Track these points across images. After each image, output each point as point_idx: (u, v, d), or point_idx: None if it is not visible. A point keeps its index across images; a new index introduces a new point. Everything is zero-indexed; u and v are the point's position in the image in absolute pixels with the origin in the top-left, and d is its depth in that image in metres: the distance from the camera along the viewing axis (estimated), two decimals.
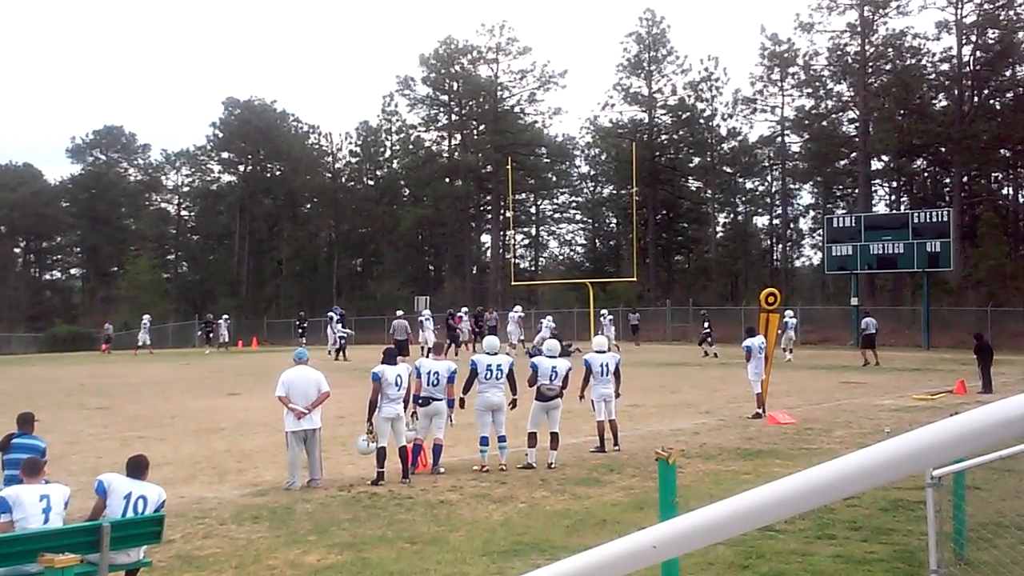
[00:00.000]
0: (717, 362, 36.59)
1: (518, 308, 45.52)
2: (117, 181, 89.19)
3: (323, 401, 13.79)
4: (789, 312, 41.81)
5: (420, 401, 14.28)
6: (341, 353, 39.44)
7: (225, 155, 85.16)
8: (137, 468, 8.82)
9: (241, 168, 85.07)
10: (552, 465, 14.56)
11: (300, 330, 51.14)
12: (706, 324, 41.80)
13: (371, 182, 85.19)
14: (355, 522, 11.19)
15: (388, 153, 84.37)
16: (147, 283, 75.33)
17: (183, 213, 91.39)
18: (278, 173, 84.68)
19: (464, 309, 44.38)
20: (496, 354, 15.22)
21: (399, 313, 40.22)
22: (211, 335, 51.70)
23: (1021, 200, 69.88)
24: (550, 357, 15.35)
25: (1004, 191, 69.67)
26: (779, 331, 39.83)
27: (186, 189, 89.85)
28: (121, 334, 57.44)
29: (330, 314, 42.69)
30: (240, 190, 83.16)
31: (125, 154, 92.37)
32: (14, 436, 10.98)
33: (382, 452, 13.55)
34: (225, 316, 53.93)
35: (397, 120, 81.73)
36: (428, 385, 14.24)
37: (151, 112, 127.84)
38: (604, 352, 16.52)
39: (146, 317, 51.20)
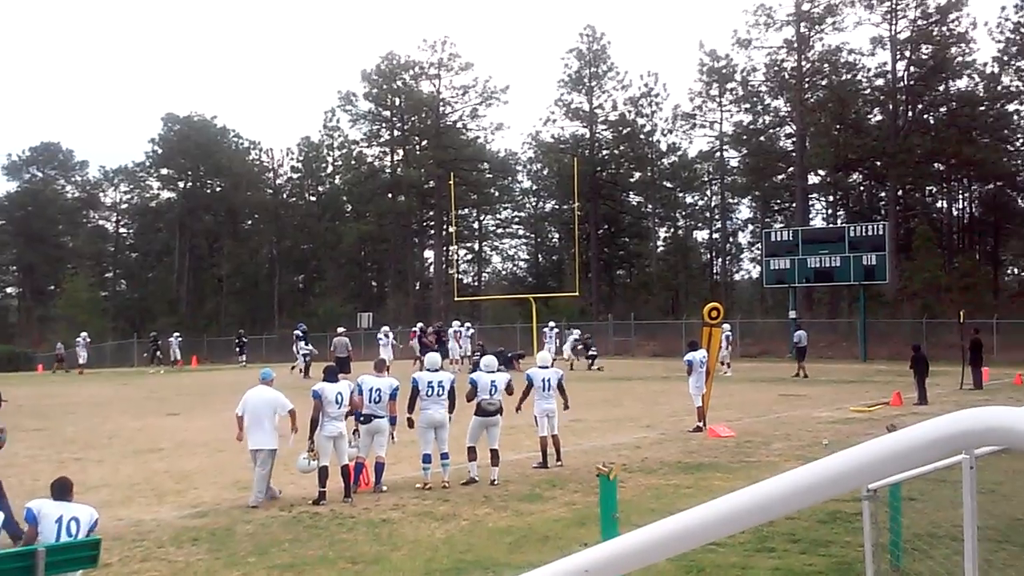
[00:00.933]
0: (658, 376, 36.79)
1: (468, 324, 45.42)
2: (54, 198, 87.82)
3: (294, 421, 13.78)
4: (726, 326, 42.30)
5: (361, 418, 14.20)
6: (306, 371, 38.95)
7: (164, 171, 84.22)
8: (62, 490, 8.67)
9: (181, 184, 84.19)
10: (495, 482, 14.58)
11: (239, 348, 50.76)
12: (588, 338, 42.72)
13: (313, 198, 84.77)
14: (296, 542, 11.09)
15: (330, 169, 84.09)
16: (85, 302, 74.19)
17: (121, 230, 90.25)
18: (218, 189, 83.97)
19: (420, 325, 44.19)
20: (437, 371, 15.12)
21: (340, 330, 39.91)
22: (157, 353, 51.14)
23: (955, 213, 71.31)
24: (489, 372, 15.35)
25: (938, 204, 71.15)
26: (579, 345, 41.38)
27: (124, 206, 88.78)
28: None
29: (296, 332, 42.11)
30: (179, 207, 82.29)
31: (62, 171, 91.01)
32: None
33: (324, 471, 13.45)
34: (176, 334, 53.46)
35: (339, 135, 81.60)
36: (370, 402, 14.17)
37: (89, 128, 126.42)
38: (547, 367, 16.58)
39: (83, 335, 50.38)
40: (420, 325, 43.38)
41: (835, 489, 1.67)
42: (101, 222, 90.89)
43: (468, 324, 45.71)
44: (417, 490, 14.10)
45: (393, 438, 14.63)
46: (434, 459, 14.59)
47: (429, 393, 14.67)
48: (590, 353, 41.16)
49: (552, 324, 42.60)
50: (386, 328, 42.08)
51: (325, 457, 13.54)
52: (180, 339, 52.71)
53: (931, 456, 1.59)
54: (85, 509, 8.70)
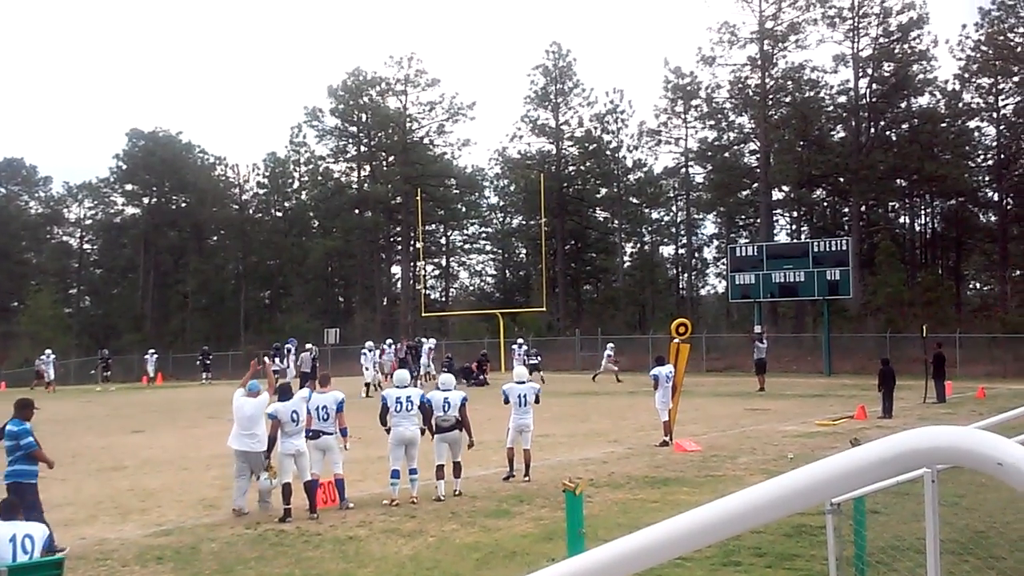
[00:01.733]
0: (626, 390, 36.86)
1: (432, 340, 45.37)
2: (17, 214, 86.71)
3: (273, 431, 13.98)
4: (610, 345, 43.48)
5: (310, 435, 14.10)
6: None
7: (129, 187, 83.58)
8: (9, 509, 8.60)
9: (145, 200, 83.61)
10: (457, 492, 14.75)
11: (204, 365, 50.50)
12: (534, 350, 43.25)
13: (279, 214, 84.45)
14: (262, 560, 11.03)
15: (296, 184, 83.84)
16: (48, 318, 73.35)
17: (86, 246, 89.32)
18: (184, 205, 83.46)
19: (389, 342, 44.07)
20: (406, 387, 15.12)
21: (308, 346, 39.76)
22: (106, 372, 50.94)
23: (917, 229, 72.06)
24: (444, 390, 15.44)
25: (901, 220, 71.83)
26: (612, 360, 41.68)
27: (89, 222, 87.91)
28: (21, 371, 55.83)
29: (287, 346, 41.71)
30: (144, 223, 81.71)
31: (26, 187, 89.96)
32: (7, 423, 11.92)
33: (286, 488, 13.40)
34: (152, 351, 53.34)
35: (305, 151, 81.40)
36: (318, 420, 14.12)
37: (53, 144, 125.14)
38: (523, 383, 16.68)
39: (48, 352, 49.79)
40: (389, 341, 43.31)
41: (798, 504, 1.70)
42: (65, 238, 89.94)
43: (423, 340, 45.51)
44: (384, 507, 14.05)
45: (345, 447, 14.67)
46: (403, 475, 14.58)
47: (398, 409, 14.68)
48: (531, 362, 40.97)
49: (520, 341, 42.59)
50: (370, 343, 41.83)
51: (286, 475, 13.50)
52: (156, 355, 52.57)
53: (888, 472, 1.63)
54: (37, 527, 8.63)
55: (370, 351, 39.73)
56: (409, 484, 14.57)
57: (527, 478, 16.02)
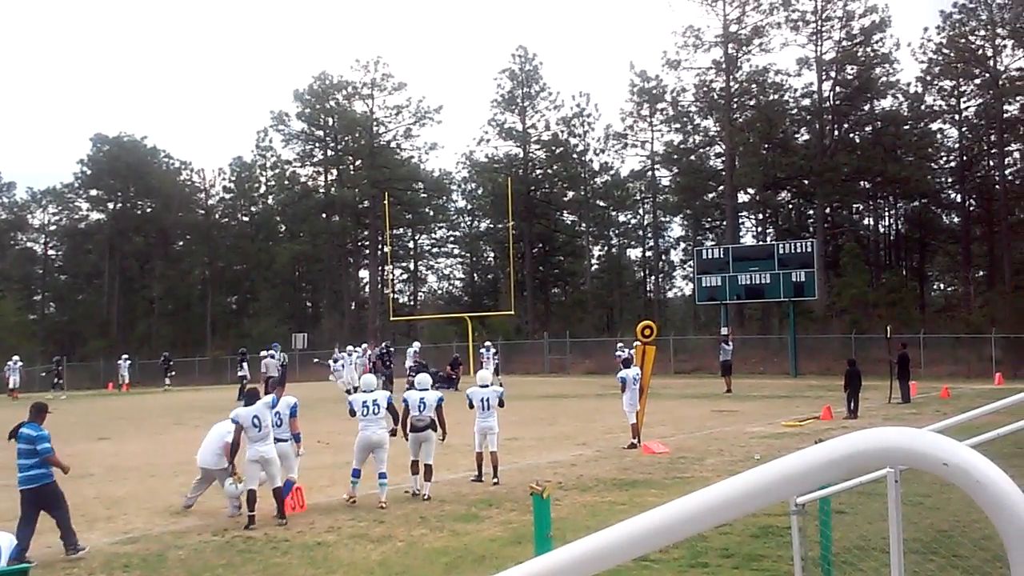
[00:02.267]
0: (593, 392, 36.94)
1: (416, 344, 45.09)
2: None
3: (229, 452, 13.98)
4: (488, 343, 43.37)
5: None
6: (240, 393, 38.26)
7: (94, 192, 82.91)
8: None
9: (110, 205, 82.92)
10: (427, 497, 14.84)
11: (165, 371, 50.29)
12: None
13: (246, 218, 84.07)
14: (229, 567, 10.98)
15: (263, 189, 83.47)
16: (13, 325, 72.68)
17: (50, 252, 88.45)
18: (149, 210, 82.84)
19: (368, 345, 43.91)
20: (372, 391, 15.18)
21: (274, 349, 39.46)
22: (57, 380, 50.66)
23: (881, 230, 72.75)
24: (421, 390, 15.63)
25: (865, 222, 72.49)
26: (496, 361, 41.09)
27: (53, 228, 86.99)
28: None
29: (271, 351, 41.22)
30: (109, 228, 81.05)
31: None
32: (23, 425, 12.09)
33: (251, 495, 13.35)
34: (125, 356, 53.42)
35: (272, 155, 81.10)
36: (273, 427, 14.01)
37: (16, 149, 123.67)
38: (487, 386, 16.80)
39: (15, 358, 49.22)
40: (364, 346, 43.14)
41: (755, 503, 1.73)
42: (29, 244, 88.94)
43: (390, 345, 45.29)
44: (351, 511, 14.02)
45: (299, 453, 14.59)
46: (369, 477, 14.65)
47: (365, 413, 14.76)
48: (450, 375, 40.86)
49: (489, 344, 42.52)
50: (351, 347, 41.78)
51: (252, 481, 13.46)
52: (129, 361, 52.37)
53: (842, 473, 1.66)
54: (3, 536, 8.58)
55: (348, 355, 39.83)
56: (378, 488, 14.57)
57: (496, 480, 16.07)
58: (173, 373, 51.07)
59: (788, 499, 7.71)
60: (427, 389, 15.74)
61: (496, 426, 16.45)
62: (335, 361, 40.81)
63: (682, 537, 1.82)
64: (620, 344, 41.89)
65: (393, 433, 15.26)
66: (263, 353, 39.28)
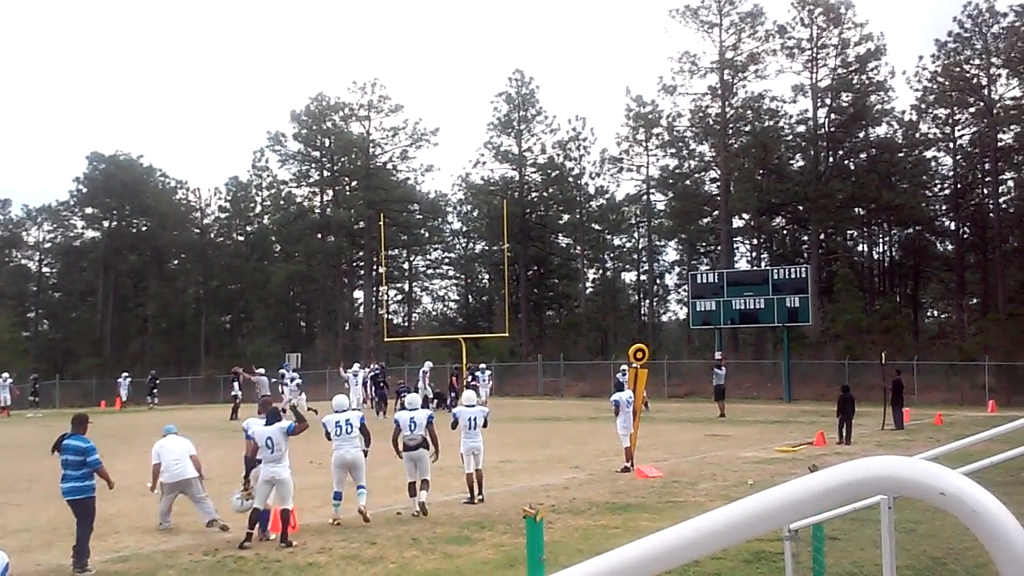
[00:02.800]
0: (587, 415, 36.90)
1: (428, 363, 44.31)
2: None
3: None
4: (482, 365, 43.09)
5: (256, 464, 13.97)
6: (234, 413, 37.91)
7: (89, 210, 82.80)
8: None
9: (106, 224, 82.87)
10: (424, 504, 15.24)
11: (151, 389, 50.23)
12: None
13: (241, 238, 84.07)
14: None
15: (259, 209, 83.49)
16: (6, 342, 72.48)
17: (44, 270, 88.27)
18: (144, 229, 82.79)
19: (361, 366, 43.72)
20: (344, 411, 15.44)
21: (260, 370, 39.25)
22: (32, 397, 50.56)
23: (875, 257, 72.90)
24: (411, 410, 16.01)
25: (859, 248, 72.64)
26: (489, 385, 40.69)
27: (48, 245, 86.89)
28: None
29: (281, 370, 40.83)
30: (104, 246, 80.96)
31: None
32: (66, 436, 12.48)
33: (254, 514, 13.31)
34: (125, 374, 53.30)
35: (268, 175, 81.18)
36: (265, 449, 13.81)
37: (12, 166, 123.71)
38: (473, 406, 16.98)
39: (5, 375, 49.03)
40: (358, 365, 43.00)
41: (753, 530, 1.73)
42: (24, 261, 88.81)
43: (373, 365, 44.88)
44: (343, 533, 13.97)
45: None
46: (351, 499, 14.81)
47: (338, 432, 15.02)
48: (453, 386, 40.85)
49: (483, 366, 42.36)
50: (356, 367, 41.71)
51: (260, 501, 13.46)
52: (129, 379, 52.38)
53: (837, 500, 1.66)
54: None
55: (355, 375, 39.92)
56: (358, 498, 14.78)
57: (481, 497, 16.22)
58: (156, 391, 51.15)
59: (778, 527, 7.70)
60: (416, 408, 16.11)
61: (481, 445, 16.57)
62: (283, 377, 40.56)
63: (679, 564, 1.82)
64: (624, 367, 40.97)
65: (365, 454, 15.40)
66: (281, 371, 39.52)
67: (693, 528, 1.76)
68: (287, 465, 13.71)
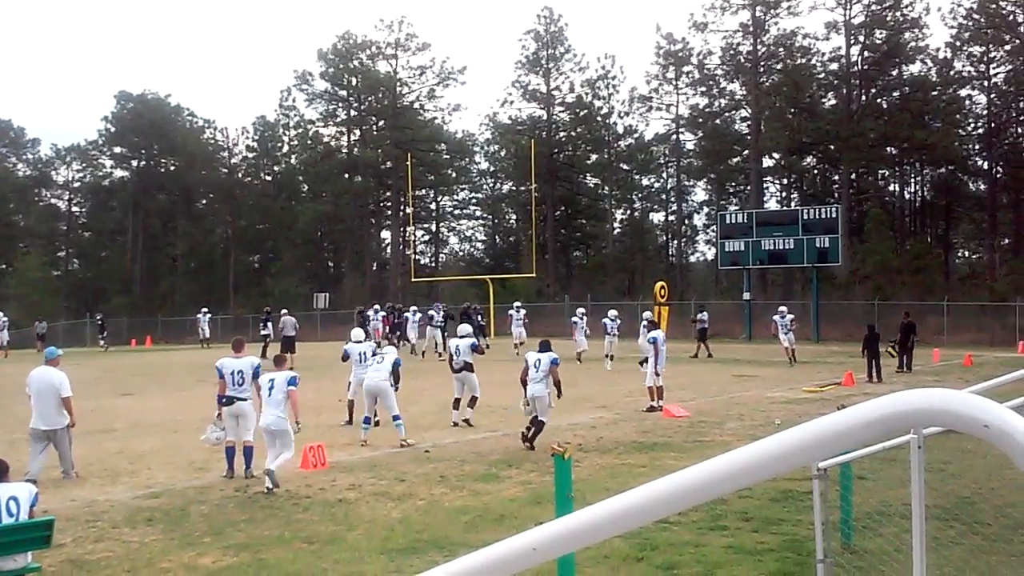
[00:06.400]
0: (615, 355, 36.89)
1: (517, 305, 43.74)
2: (5, 176, 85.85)
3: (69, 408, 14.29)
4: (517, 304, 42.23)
5: (224, 401, 13.91)
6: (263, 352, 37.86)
7: (117, 150, 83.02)
8: None
9: (134, 163, 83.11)
10: (469, 421, 17.97)
11: (100, 329, 50.80)
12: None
13: (268, 178, 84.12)
14: (251, 523, 11.07)
15: (286, 148, 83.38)
16: (37, 281, 73.26)
17: (74, 209, 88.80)
18: (172, 168, 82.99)
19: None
20: (360, 342, 17.47)
21: (284, 312, 39.36)
22: (104, 333, 50.85)
23: (907, 197, 72.18)
24: (461, 338, 18.67)
25: (890, 188, 71.92)
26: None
27: (77, 185, 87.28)
28: (11, 333, 55.48)
29: (431, 312, 40.71)
30: (133, 185, 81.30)
31: (13, 149, 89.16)
32: None
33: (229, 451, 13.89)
34: (204, 310, 52.45)
35: (295, 115, 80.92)
36: (233, 384, 13.86)
37: (41, 106, 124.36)
38: (543, 351, 16.50)
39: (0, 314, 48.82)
40: (438, 304, 43.22)
41: (783, 466, 1.70)
42: (53, 200, 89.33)
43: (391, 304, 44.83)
44: (373, 470, 14.08)
45: (298, 429, 14.00)
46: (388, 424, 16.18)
47: (360, 361, 16.72)
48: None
49: (518, 304, 41.76)
50: (414, 307, 42.35)
51: (230, 433, 13.80)
52: (209, 315, 51.58)
53: (875, 435, 1.63)
54: (23, 486, 8.64)
55: (413, 314, 41.16)
56: (396, 429, 16.05)
57: (530, 445, 15.77)
58: (102, 324, 51.82)
59: (810, 464, 7.68)
60: (464, 337, 18.67)
61: (544, 392, 15.99)
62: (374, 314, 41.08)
63: (707, 500, 1.80)
64: (581, 311, 38.87)
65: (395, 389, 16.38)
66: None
67: (722, 464, 1.73)
68: (250, 399, 13.88)
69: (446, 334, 40.91)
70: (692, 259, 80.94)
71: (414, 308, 43.01)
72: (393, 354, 16.54)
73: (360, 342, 17.73)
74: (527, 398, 15.93)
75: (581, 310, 37.73)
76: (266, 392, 13.39)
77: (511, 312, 40.86)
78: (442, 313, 39.88)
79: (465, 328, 19.23)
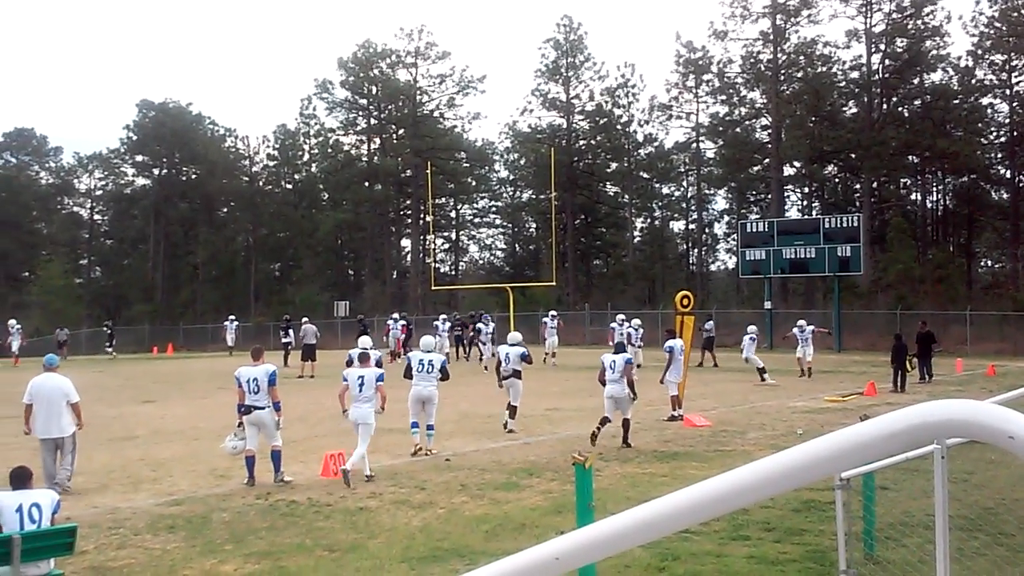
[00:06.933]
0: (635, 364, 36.77)
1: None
2: (28, 184, 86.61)
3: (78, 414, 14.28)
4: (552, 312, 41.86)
5: (243, 409, 14.00)
6: (285, 360, 38.08)
7: (139, 158, 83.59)
8: (20, 479, 8.65)
9: (156, 171, 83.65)
10: (506, 425, 18.61)
11: (108, 338, 50.77)
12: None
13: (289, 186, 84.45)
14: (272, 530, 11.10)
15: (306, 157, 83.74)
16: (59, 288, 73.69)
17: (96, 217, 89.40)
18: (194, 176, 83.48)
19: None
20: (430, 351, 16.92)
21: (304, 319, 39.57)
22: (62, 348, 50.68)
23: (929, 206, 71.77)
24: (512, 346, 19.12)
25: (912, 197, 71.52)
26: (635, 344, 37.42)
27: (99, 193, 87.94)
28: (33, 341, 55.65)
29: (435, 323, 41.41)
30: (155, 194, 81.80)
31: (36, 157, 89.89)
32: None
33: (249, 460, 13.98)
34: (232, 317, 52.64)
35: (315, 123, 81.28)
36: (249, 393, 13.95)
37: (63, 114, 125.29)
38: (618, 354, 17.58)
39: (12, 321, 48.75)
40: (472, 313, 43.69)
41: (807, 477, 1.70)
42: (75, 208, 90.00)
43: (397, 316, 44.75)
44: (394, 478, 14.10)
45: (279, 424, 14.20)
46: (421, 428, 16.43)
47: (420, 370, 16.35)
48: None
49: (553, 313, 41.38)
50: (444, 316, 43.13)
51: (251, 443, 13.91)
52: (236, 323, 51.87)
53: (899, 447, 1.63)
54: (45, 493, 8.70)
55: (443, 322, 40.96)
56: (426, 437, 16.32)
57: (628, 444, 16.85)
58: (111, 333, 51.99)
59: (833, 474, 7.65)
60: (514, 345, 19.07)
61: (622, 392, 17.00)
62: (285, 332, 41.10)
63: (732, 510, 1.80)
64: (620, 317, 37.69)
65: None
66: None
67: (745, 474, 1.73)
68: (267, 407, 13.93)
69: (464, 342, 42.22)
70: (713, 268, 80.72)
71: (443, 317, 43.48)
72: (440, 359, 16.84)
73: (429, 351, 17.03)
74: (607, 397, 17.04)
75: (621, 316, 37.74)
76: (356, 388, 14.33)
77: (544, 320, 40.58)
78: (450, 324, 40.63)
79: (515, 336, 19.80)
